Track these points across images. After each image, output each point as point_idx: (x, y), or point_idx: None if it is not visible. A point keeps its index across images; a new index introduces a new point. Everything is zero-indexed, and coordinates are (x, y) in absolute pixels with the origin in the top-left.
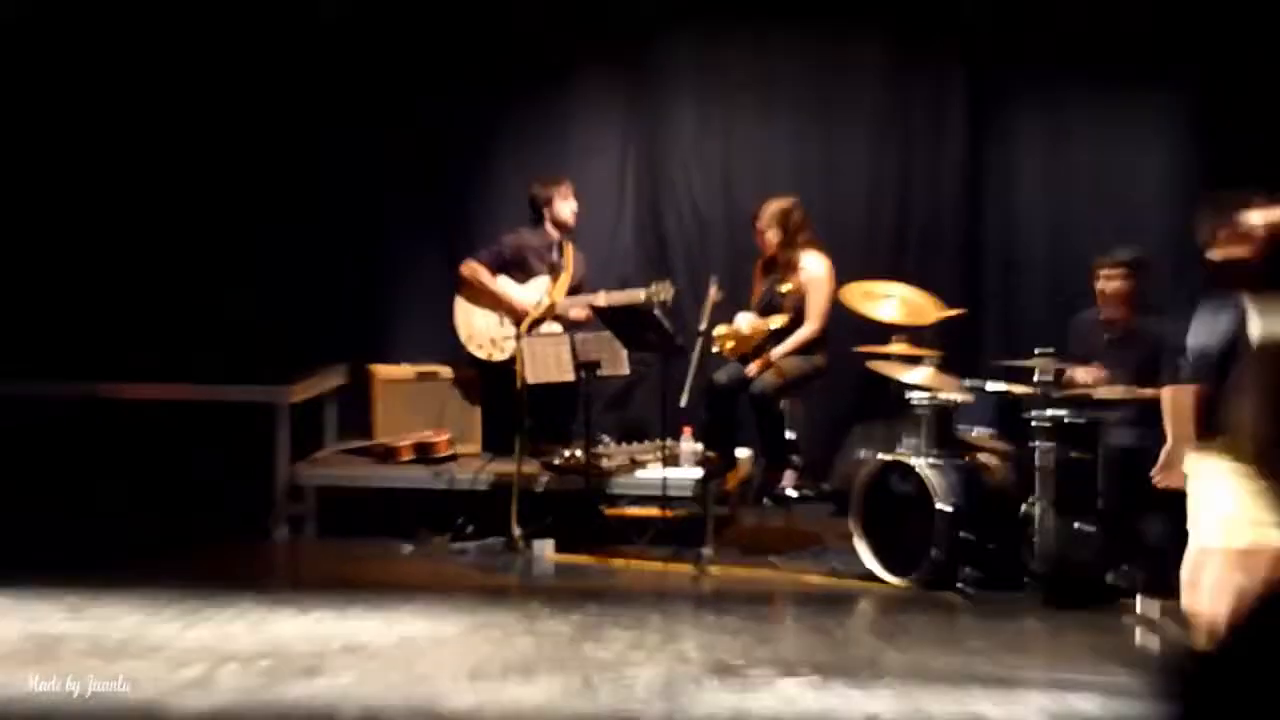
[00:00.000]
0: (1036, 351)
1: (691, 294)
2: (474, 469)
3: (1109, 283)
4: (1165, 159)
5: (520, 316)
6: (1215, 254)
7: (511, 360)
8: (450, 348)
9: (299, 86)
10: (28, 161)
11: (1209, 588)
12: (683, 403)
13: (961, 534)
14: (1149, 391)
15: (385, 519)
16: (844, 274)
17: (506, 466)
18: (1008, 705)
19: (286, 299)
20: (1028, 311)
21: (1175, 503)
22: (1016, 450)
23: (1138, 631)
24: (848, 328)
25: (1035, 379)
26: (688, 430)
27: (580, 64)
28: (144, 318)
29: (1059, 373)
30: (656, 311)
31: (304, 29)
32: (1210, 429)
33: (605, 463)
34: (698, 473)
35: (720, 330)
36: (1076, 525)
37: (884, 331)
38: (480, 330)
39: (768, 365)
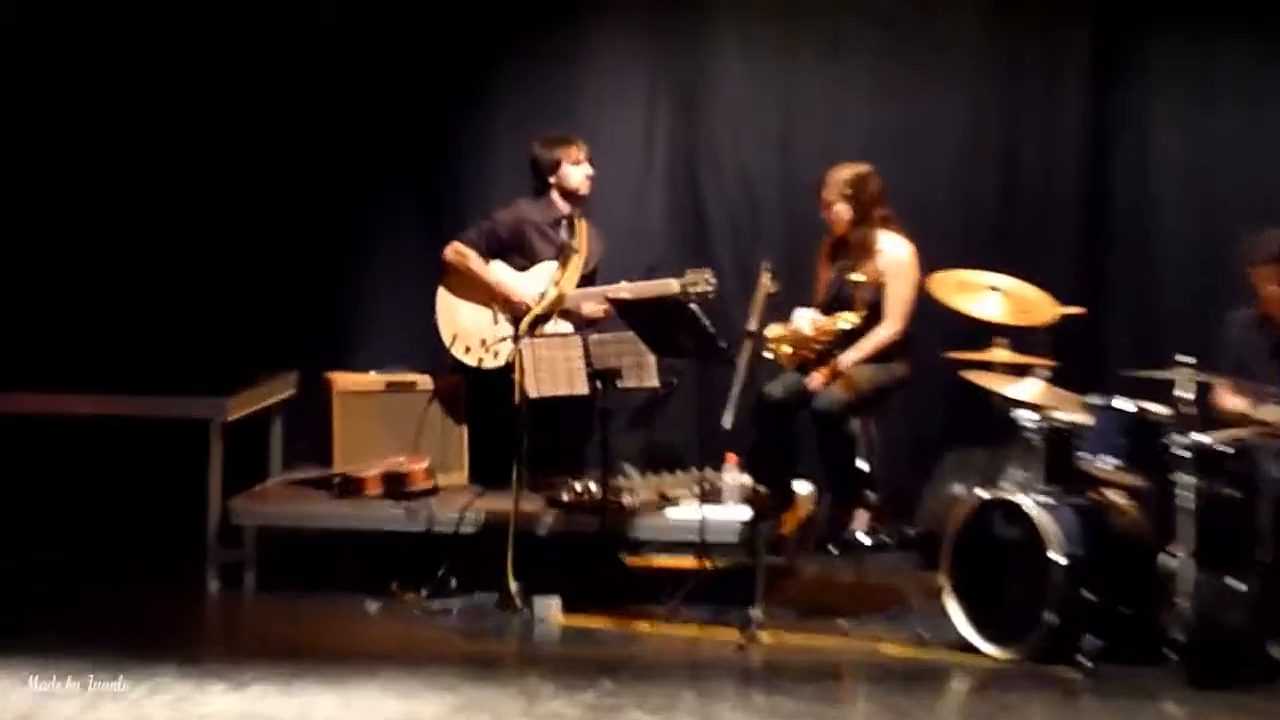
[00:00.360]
0: (1176, 360)
1: (738, 284)
2: (459, 505)
3: (1267, 283)
4: None
5: (519, 312)
6: None
7: (508, 367)
8: (431, 351)
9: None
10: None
11: None
12: (726, 423)
13: (1082, 592)
14: None
15: (345, 569)
16: (931, 260)
17: (501, 503)
18: None
19: (230, 297)
20: (1164, 311)
21: None
22: (1152, 486)
23: None
24: (936, 328)
25: (1175, 395)
26: (732, 458)
27: None
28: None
29: (1205, 387)
30: (693, 306)
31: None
32: None
33: (627, 499)
34: (744, 512)
35: (775, 331)
36: (1228, 581)
37: (983, 333)
38: (468, 329)
39: (835, 375)
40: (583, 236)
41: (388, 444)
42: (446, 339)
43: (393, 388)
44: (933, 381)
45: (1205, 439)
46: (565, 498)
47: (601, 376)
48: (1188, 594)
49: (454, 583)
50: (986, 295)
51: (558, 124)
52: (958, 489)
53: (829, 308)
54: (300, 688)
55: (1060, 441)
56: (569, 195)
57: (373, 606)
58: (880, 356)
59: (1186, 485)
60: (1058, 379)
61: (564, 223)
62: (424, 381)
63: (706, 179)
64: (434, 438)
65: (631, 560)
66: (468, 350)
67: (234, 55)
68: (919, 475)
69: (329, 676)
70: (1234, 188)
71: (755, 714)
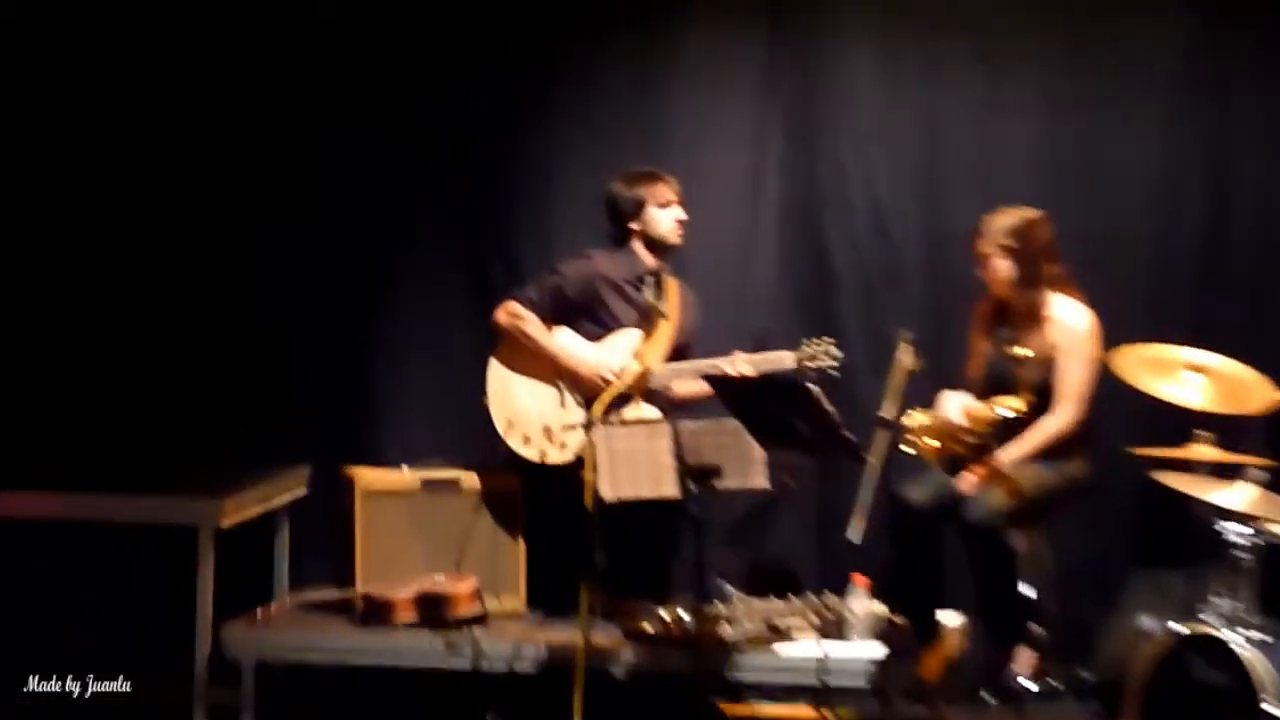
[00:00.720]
0: None
1: (870, 357)
2: (514, 637)
3: None
4: None
5: (592, 391)
6: None
7: (578, 462)
8: (479, 441)
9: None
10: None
11: None
12: (854, 536)
13: None
14: None
15: (368, 716)
16: (1115, 331)
17: (566, 634)
18: None
19: (226, 370)
20: None
21: None
22: None
23: None
24: (1121, 418)
25: None
26: (861, 581)
27: None
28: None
29: None
30: (813, 386)
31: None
32: None
33: (726, 631)
34: (876, 650)
35: (917, 419)
36: None
37: (1181, 424)
38: (527, 414)
39: (993, 476)
40: (672, 297)
41: (423, 558)
42: (499, 426)
43: (430, 487)
44: (1117, 485)
45: None
46: (648, 629)
47: (696, 475)
48: None
49: None
50: (1186, 376)
51: (641, 156)
52: (1147, 622)
53: (986, 390)
54: None
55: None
56: (655, 245)
57: None
58: (1051, 453)
59: None
60: (1276, 483)
61: (649, 279)
62: (469, 480)
63: (831, 223)
64: (482, 551)
65: (732, 709)
66: (526, 440)
67: (234, 55)
68: (1098, 604)
69: None
70: None
71: None
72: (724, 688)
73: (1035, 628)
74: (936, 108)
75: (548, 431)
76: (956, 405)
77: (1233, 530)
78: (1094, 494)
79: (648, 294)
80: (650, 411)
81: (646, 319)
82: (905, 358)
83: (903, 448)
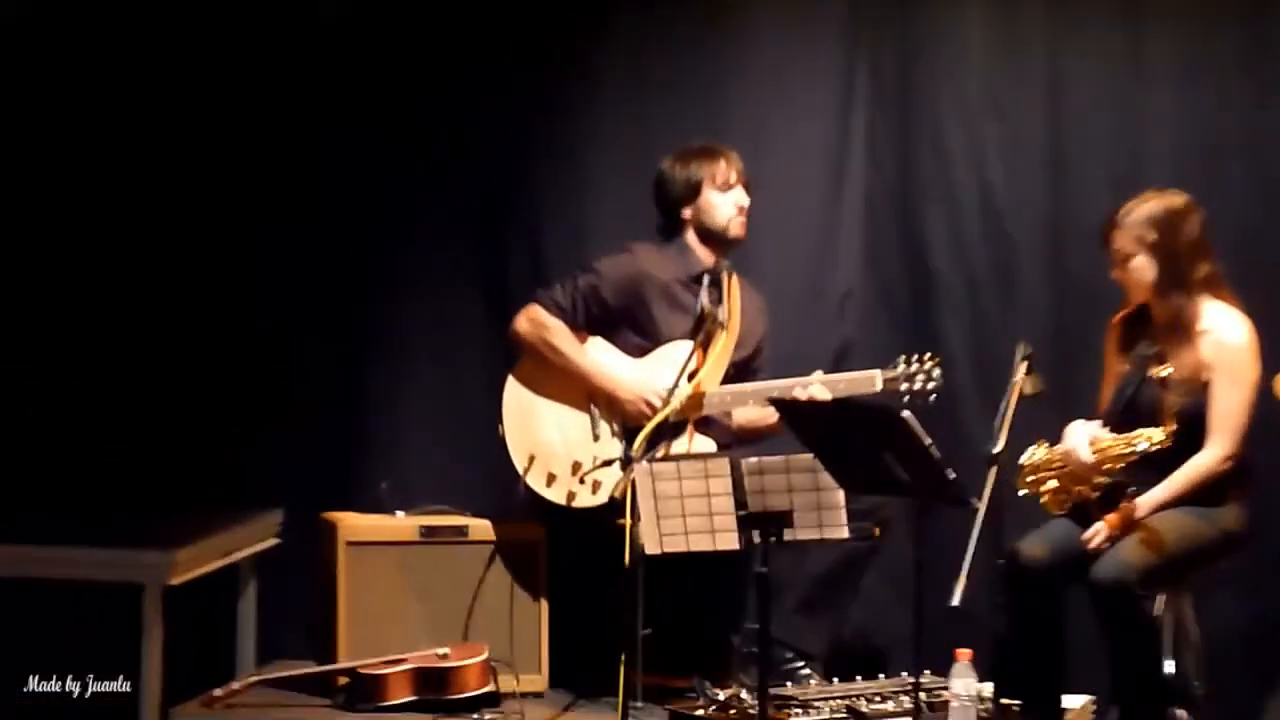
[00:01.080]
0: None
1: (976, 380)
2: None
3: None
4: None
5: (633, 420)
6: None
7: (615, 507)
8: (492, 481)
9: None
10: None
11: None
12: (955, 599)
13: None
14: None
15: None
16: (1274, 345)
17: (599, 718)
18: None
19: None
20: None
21: None
22: None
23: None
24: None
25: None
26: (965, 655)
27: None
28: None
29: None
30: (906, 414)
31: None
32: None
33: (799, 716)
34: None
35: (1037, 455)
36: None
37: None
38: (553, 447)
39: (1130, 527)
40: (734, 301)
41: (421, 624)
42: (518, 461)
43: (429, 536)
44: (1278, 537)
45: None
46: (701, 712)
47: (761, 523)
48: None
49: None
50: None
51: (699, 132)
52: None
53: (1121, 419)
54: None
55: None
56: (712, 237)
57: None
58: (1201, 497)
59: None
60: None
61: (705, 280)
62: (479, 528)
63: (930, 214)
64: (495, 616)
65: None
66: (551, 480)
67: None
68: (1259, 681)
69: None
70: None
71: None
72: None
73: (1180, 713)
74: (1064, 74)
75: (577, 468)
76: (1085, 438)
77: None
78: (1252, 548)
79: (703, 297)
80: (705, 444)
81: (701, 329)
82: (1022, 380)
83: (1018, 491)
